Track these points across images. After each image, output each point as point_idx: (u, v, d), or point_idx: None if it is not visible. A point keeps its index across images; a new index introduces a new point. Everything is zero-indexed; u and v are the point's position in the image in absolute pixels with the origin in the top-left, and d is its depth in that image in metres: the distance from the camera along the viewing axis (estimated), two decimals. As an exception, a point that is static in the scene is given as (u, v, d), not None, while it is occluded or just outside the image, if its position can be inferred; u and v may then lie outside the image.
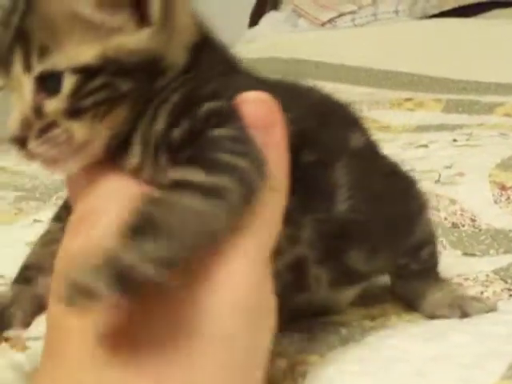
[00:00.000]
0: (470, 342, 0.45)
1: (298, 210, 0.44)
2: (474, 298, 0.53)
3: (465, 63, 1.61)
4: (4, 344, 0.51)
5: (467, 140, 1.02)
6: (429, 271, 0.55)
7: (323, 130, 0.47)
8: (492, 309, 0.52)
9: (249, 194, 0.36)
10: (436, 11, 2.03)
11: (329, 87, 1.68)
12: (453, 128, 1.13)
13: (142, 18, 0.40)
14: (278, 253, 0.41)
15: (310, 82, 1.78)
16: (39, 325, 0.44)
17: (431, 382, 0.41)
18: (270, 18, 2.38)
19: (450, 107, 1.28)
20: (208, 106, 0.39)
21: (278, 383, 0.44)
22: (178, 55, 0.41)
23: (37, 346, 0.49)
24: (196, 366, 0.34)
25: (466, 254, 0.66)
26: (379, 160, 0.53)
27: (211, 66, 0.43)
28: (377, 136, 1.19)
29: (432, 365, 0.43)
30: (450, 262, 0.63)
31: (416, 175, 0.88)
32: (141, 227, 0.33)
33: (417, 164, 0.94)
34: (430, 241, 0.55)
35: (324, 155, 0.46)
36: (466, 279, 0.58)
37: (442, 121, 1.20)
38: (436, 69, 1.60)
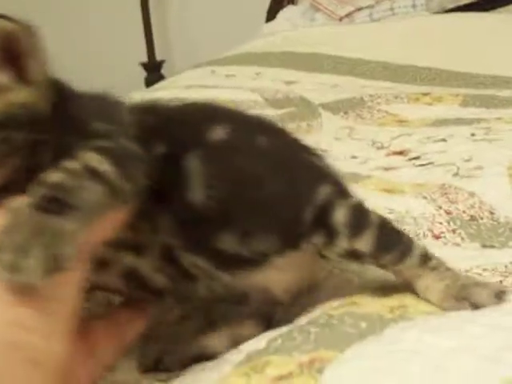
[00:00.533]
0: (487, 333, 0.45)
1: (152, 201, 0.48)
2: (477, 284, 0.52)
3: (482, 57, 1.61)
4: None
5: (485, 134, 1.02)
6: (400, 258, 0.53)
7: (175, 125, 0.53)
8: (499, 289, 0.51)
9: None
10: (453, 5, 2.03)
11: (346, 81, 1.69)
12: (471, 122, 1.13)
13: (22, 78, 0.46)
14: (142, 247, 0.49)
15: (326, 77, 1.75)
16: None
17: (451, 376, 0.41)
18: (287, 13, 2.39)
19: (468, 101, 1.28)
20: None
21: (296, 379, 0.44)
22: (45, 108, 0.47)
23: None
24: None
25: (484, 246, 0.67)
26: (251, 149, 0.55)
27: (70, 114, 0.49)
28: (396, 130, 1.20)
29: (451, 358, 0.43)
30: (468, 254, 0.64)
31: (435, 168, 0.90)
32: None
33: (435, 158, 0.95)
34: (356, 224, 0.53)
35: (174, 147, 0.51)
36: (485, 270, 0.58)
37: (460, 115, 1.20)
38: (454, 63, 1.60)
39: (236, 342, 0.53)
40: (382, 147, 1.08)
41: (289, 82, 1.58)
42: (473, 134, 1.03)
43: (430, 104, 1.32)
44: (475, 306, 0.50)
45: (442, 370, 0.42)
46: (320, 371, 0.44)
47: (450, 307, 0.51)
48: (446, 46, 1.71)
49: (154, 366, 0.53)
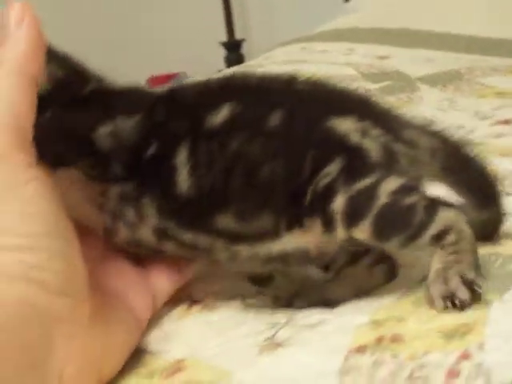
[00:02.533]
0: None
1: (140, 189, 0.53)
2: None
3: None
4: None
5: None
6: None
7: (170, 119, 0.54)
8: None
9: None
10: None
11: (440, 55, 1.71)
12: None
13: None
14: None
15: (419, 51, 1.79)
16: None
17: None
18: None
19: None
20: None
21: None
22: None
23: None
24: None
25: None
26: (253, 130, 0.54)
27: None
28: (496, 101, 1.23)
29: None
30: None
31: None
32: None
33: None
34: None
35: (165, 143, 0.53)
36: None
37: (560, 85, 1.23)
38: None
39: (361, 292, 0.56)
40: (486, 117, 1.12)
41: (382, 57, 1.62)
42: None
43: (527, 76, 1.35)
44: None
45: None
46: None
47: (434, 291, 0.49)
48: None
49: (286, 305, 0.57)
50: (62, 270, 0.45)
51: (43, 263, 0.44)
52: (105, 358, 0.48)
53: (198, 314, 0.56)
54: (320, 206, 0.51)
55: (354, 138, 0.53)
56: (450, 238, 0.51)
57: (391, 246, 0.53)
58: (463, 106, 1.21)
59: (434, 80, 1.38)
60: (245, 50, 3.00)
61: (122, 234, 0.55)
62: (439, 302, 0.48)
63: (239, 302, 0.57)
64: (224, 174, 0.52)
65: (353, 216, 0.51)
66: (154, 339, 0.53)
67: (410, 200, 0.51)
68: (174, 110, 0.55)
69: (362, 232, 0.51)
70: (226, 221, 0.53)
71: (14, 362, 0.41)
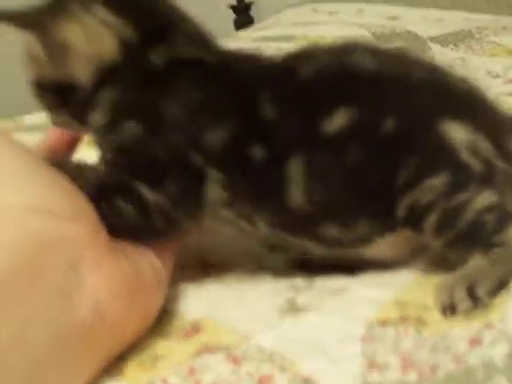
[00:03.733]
0: None
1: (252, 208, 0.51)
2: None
3: None
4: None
5: None
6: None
7: (283, 119, 0.50)
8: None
9: None
10: None
11: (450, 15, 1.68)
12: None
13: None
14: None
15: (429, 11, 1.76)
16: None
17: None
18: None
19: None
20: None
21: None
22: None
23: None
24: None
25: None
26: (368, 139, 0.51)
27: None
28: (508, 60, 1.22)
29: None
30: None
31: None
32: None
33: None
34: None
35: (277, 150, 0.50)
36: None
37: None
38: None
39: None
40: (498, 76, 1.12)
41: (393, 18, 1.60)
42: None
43: (539, 33, 1.34)
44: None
45: None
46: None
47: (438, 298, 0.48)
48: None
49: (300, 265, 0.57)
50: (66, 197, 0.47)
51: (45, 194, 0.46)
52: (135, 285, 0.48)
53: (214, 276, 0.57)
54: (416, 221, 0.50)
55: (465, 154, 0.50)
56: (500, 250, 0.50)
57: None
58: (475, 64, 1.21)
59: (445, 40, 1.37)
60: (254, 12, 2.97)
61: None
62: (440, 310, 0.46)
63: (254, 264, 0.58)
64: (339, 187, 0.51)
65: (441, 229, 0.50)
66: (172, 299, 0.54)
67: (489, 217, 0.50)
68: (284, 107, 0.51)
69: (443, 242, 0.51)
70: (330, 229, 0.52)
71: (46, 288, 0.42)
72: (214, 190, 0.50)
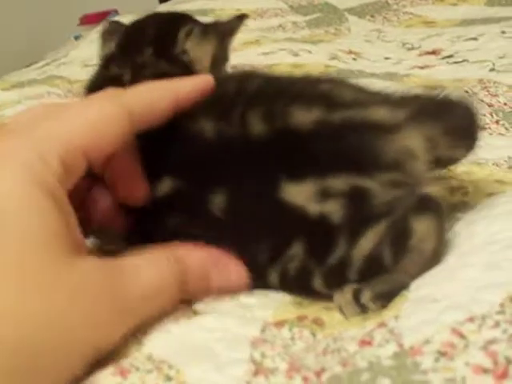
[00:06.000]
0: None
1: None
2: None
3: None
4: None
5: (516, 31, 1.04)
6: None
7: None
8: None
9: None
10: None
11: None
12: (498, 20, 1.14)
13: None
14: None
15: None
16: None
17: None
18: None
19: (494, 0, 1.29)
20: None
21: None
22: None
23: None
24: None
25: (527, 133, 0.70)
26: None
27: None
28: (424, 31, 1.21)
29: None
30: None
31: (470, 65, 0.93)
32: None
33: (469, 55, 0.97)
34: None
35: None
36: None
37: (486, 14, 1.22)
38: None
39: None
40: (413, 48, 1.10)
41: (311, -11, 1.58)
42: (503, 32, 1.05)
43: (455, 4, 1.33)
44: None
45: None
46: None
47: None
48: None
49: None
50: None
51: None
52: None
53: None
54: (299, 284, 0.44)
55: (312, 206, 0.42)
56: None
57: None
58: (391, 36, 1.20)
59: (362, 11, 1.36)
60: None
61: None
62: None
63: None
64: None
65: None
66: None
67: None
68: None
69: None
70: None
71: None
72: None
